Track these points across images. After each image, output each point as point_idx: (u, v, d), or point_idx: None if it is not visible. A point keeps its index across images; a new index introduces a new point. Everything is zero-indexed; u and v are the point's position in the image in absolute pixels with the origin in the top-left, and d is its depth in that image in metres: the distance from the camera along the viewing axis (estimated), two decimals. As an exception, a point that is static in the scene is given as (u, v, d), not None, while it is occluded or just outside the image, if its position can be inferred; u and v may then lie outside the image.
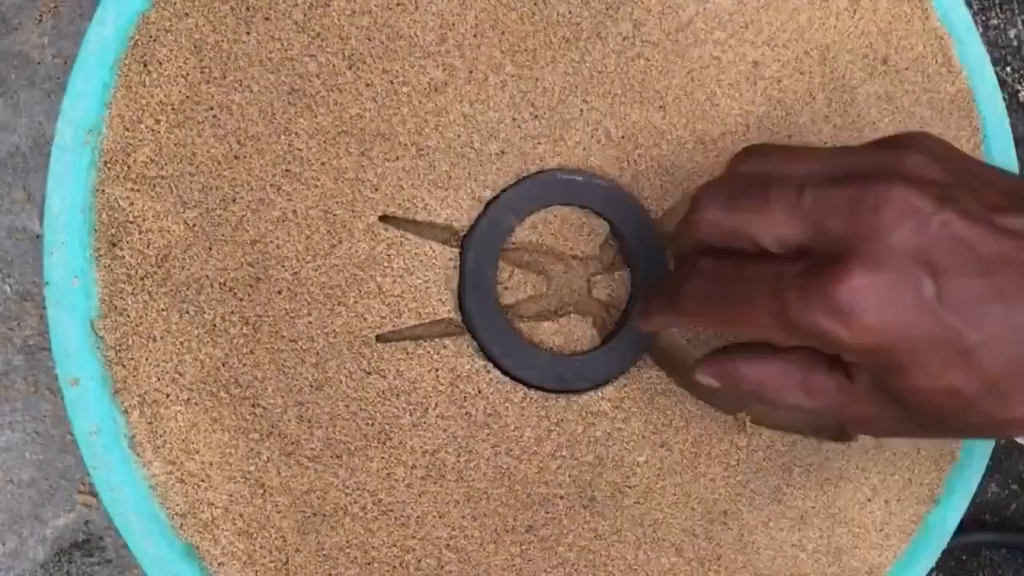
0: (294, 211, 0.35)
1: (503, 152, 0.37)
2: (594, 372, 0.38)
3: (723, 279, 0.30)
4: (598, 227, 0.39)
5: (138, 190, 0.34)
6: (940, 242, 0.27)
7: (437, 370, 0.36)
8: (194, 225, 0.34)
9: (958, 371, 0.27)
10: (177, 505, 0.34)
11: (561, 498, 0.37)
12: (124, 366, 0.33)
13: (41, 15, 0.44)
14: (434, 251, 0.37)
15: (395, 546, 0.35)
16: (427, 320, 0.37)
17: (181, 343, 0.34)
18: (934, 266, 0.27)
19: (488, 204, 0.37)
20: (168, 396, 0.34)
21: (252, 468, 0.34)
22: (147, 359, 0.34)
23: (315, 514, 0.35)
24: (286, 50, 0.35)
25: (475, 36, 0.37)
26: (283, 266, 0.35)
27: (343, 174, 0.35)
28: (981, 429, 0.29)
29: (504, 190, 0.37)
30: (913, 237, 0.27)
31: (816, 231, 0.28)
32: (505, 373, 0.37)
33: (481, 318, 0.37)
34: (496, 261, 0.37)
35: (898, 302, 0.26)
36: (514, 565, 0.36)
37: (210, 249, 0.34)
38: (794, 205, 0.28)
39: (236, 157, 0.35)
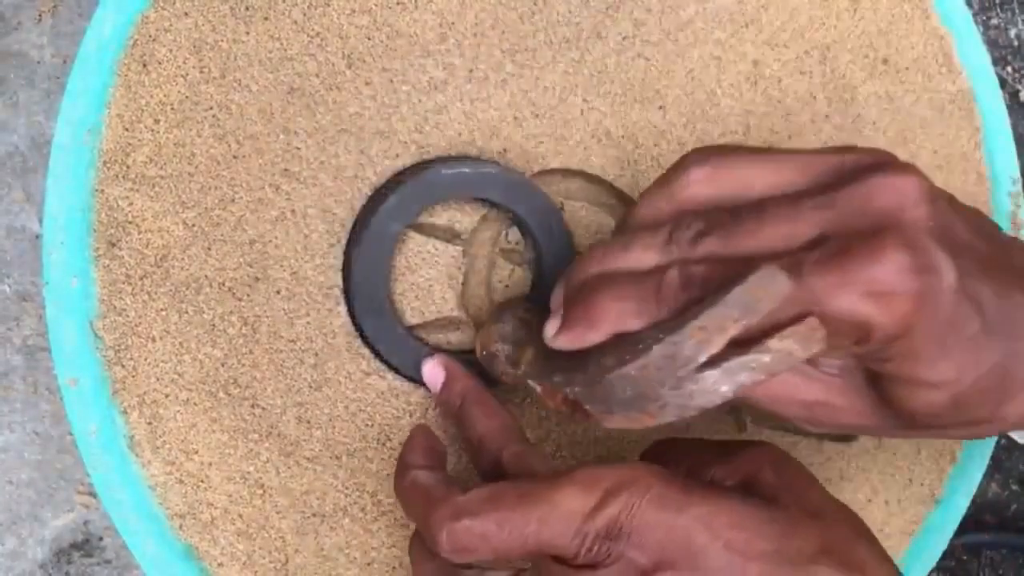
0: (293, 211, 0.35)
1: (504, 151, 0.37)
2: None
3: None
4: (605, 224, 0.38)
5: (137, 190, 0.34)
6: (950, 226, 0.26)
7: (437, 370, 0.36)
8: (193, 225, 0.34)
9: (953, 364, 0.26)
10: (176, 505, 0.34)
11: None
12: (123, 366, 0.33)
13: (40, 15, 0.44)
14: (437, 249, 0.37)
15: (395, 547, 0.35)
16: (430, 319, 0.36)
17: (180, 343, 0.34)
18: (953, 245, 0.26)
19: (366, 209, 0.35)
20: (167, 396, 0.34)
21: (251, 469, 0.34)
22: (146, 359, 0.34)
23: (314, 515, 0.35)
24: (285, 49, 0.35)
25: (475, 35, 0.37)
26: (282, 266, 0.35)
27: (342, 173, 0.35)
28: (958, 426, 0.29)
29: (382, 191, 0.35)
30: (931, 217, 0.26)
31: (827, 226, 0.26)
32: (409, 380, 0.36)
33: (378, 333, 0.35)
34: (388, 273, 0.35)
35: (929, 284, 0.25)
36: (514, 566, 0.36)
37: (209, 249, 0.34)
38: (792, 216, 0.27)
39: (235, 157, 0.35)
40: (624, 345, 0.27)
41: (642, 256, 0.28)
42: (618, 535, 0.26)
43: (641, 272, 0.28)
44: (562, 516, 0.26)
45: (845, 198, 0.26)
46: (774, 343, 0.25)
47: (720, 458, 0.29)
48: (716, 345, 0.25)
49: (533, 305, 0.35)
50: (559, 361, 0.29)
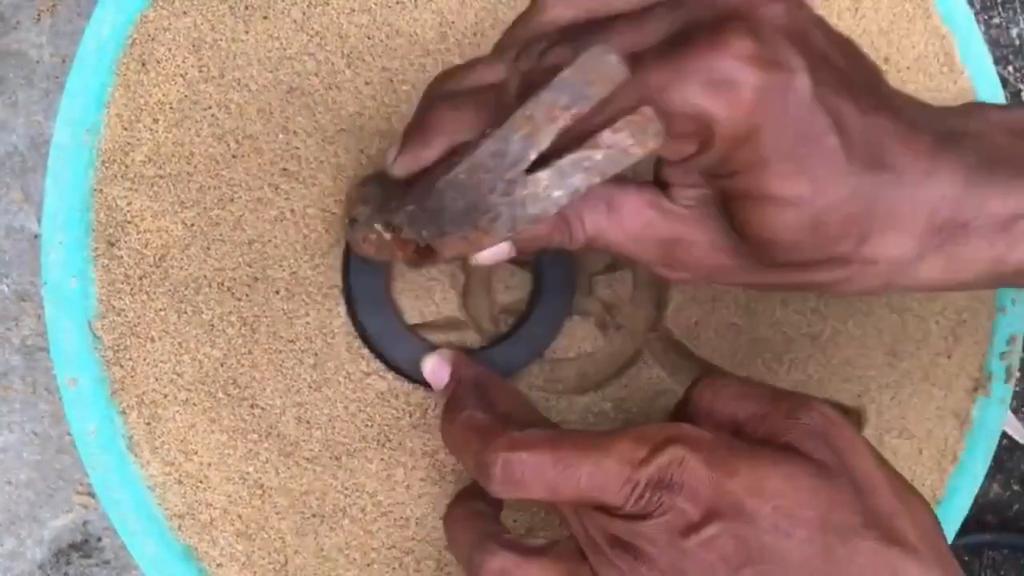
0: (292, 210, 0.35)
1: (503, 151, 0.37)
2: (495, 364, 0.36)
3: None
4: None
5: (136, 190, 0.34)
6: (808, 32, 0.25)
7: (437, 370, 0.36)
8: (192, 225, 0.34)
9: (807, 180, 0.25)
10: (175, 506, 0.34)
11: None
12: (122, 366, 0.33)
13: (39, 14, 0.44)
14: (434, 251, 0.36)
15: (395, 547, 0.35)
16: (431, 319, 0.36)
17: (179, 343, 0.34)
18: (809, 52, 0.24)
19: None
20: (166, 396, 0.34)
21: (251, 469, 0.34)
22: (145, 359, 0.34)
23: (314, 515, 0.35)
24: (285, 49, 0.35)
25: (475, 35, 0.37)
26: (281, 266, 0.35)
27: (342, 172, 0.35)
28: (819, 266, 0.27)
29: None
30: (787, 16, 0.24)
31: (674, 27, 0.25)
32: (409, 379, 0.36)
33: (378, 330, 0.35)
34: (388, 269, 0.35)
35: (776, 79, 0.24)
36: (514, 566, 0.36)
37: (208, 249, 0.34)
38: (641, 21, 0.25)
39: (234, 156, 0.35)
40: (456, 155, 0.25)
41: (487, 72, 0.27)
42: (670, 486, 0.26)
43: (482, 86, 0.27)
44: (615, 462, 0.26)
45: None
46: (606, 136, 0.23)
47: (768, 418, 0.28)
48: (545, 138, 0.23)
49: None
50: (399, 193, 0.28)
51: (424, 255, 0.27)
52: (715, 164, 0.25)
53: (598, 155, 0.24)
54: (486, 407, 0.30)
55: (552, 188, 0.24)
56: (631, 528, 0.26)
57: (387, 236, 0.28)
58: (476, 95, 0.26)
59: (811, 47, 0.25)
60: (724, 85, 0.23)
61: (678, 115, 0.24)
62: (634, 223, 0.27)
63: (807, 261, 0.27)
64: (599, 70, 0.23)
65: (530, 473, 0.26)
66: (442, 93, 0.27)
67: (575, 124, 0.23)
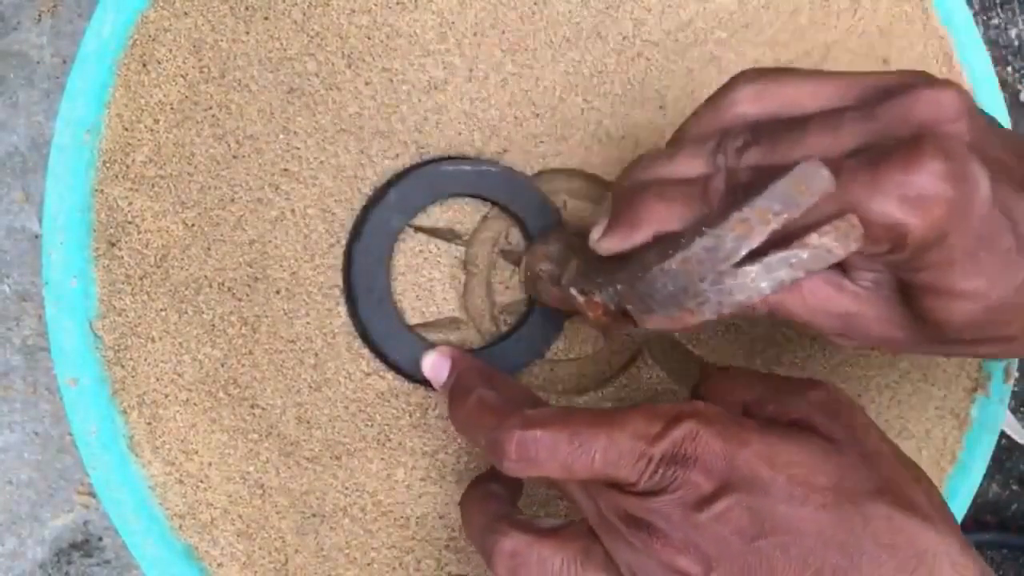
0: (292, 211, 0.35)
1: (504, 151, 0.37)
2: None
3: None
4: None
5: (137, 190, 0.34)
6: (987, 142, 0.27)
7: (437, 370, 0.36)
8: (193, 225, 0.34)
9: (985, 277, 0.27)
10: (176, 506, 0.34)
11: (561, 498, 0.37)
12: (123, 366, 0.33)
13: (40, 15, 0.44)
14: (438, 249, 0.36)
15: (395, 547, 0.35)
16: (431, 319, 0.36)
17: (180, 343, 0.34)
18: (988, 160, 0.26)
19: (367, 206, 0.36)
20: (167, 396, 0.34)
21: (251, 469, 0.34)
22: (146, 359, 0.34)
23: (314, 515, 0.35)
24: (285, 49, 0.35)
25: (475, 35, 0.37)
26: (281, 266, 0.35)
27: (342, 172, 0.35)
28: (987, 342, 0.29)
29: (384, 188, 0.36)
30: (969, 131, 0.27)
31: (867, 136, 0.27)
32: (409, 378, 0.36)
33: (379, 328, 0.35)
34: (389, 268, 0.36)
35: (964, 192, 0.26)
36: (514, 566, 0.36)
37: (208, 249, 0.34)
38: (835, 127, 0.27)
39: (235, 157, 0.35)
40: (666, 243, 0.27)
41: (689, 164, 0.29)
42: (683, 460, 0.26)
43: (688, 178, 0.28)
44: (629, 437, 0.26)
45: (886, 110, 0.27)
46: (813, 239, 0.25)
47: (777, 396, 0.29)
48: (757, 238, 0.25)
49: (575, 231, 0.36)
50: (601, 268, 0.30)
51: (614, 319, 0.29)
52: (901, 261, 0.27)
53: (804, 254, 0.26)
54: (492, 388, 0.31)
55: (759, 280, 0.26)
56: (644, 504, 0.26)
57: (580, 299, 0.30)
58: (682, 187, 0.28)
59: (989, 155, 0.27)
60: (919, 200, 0.25)
61: (876, 224, 0.26)
62: (814, 299, 0.29)
63: (974, 340, 0.29)
64: (810, 182, 0.25)
65: (544, 450, 0.27)
66: (648, 181, 0.29)
67: (783, 226, 0.25)
